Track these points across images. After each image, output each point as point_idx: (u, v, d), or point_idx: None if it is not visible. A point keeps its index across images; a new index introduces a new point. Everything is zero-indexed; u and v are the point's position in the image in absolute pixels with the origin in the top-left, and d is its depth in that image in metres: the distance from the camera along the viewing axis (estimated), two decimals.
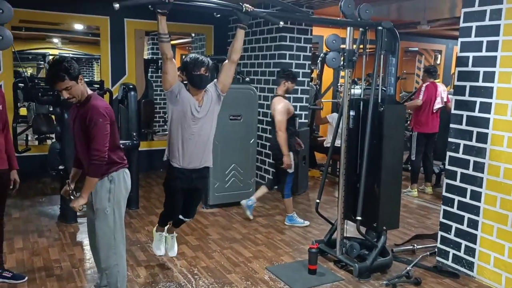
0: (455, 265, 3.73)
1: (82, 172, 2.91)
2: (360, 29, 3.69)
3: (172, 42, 8.39)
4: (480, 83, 3.49)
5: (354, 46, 3.67)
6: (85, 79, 2.78)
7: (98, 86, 6.16)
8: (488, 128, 3.44)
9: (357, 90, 5.36)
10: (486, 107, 3.45)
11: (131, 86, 5.21)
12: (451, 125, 3.72)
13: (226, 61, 3.14)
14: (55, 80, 2.57)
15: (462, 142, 3.63)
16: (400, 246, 4.25)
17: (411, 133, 6.21)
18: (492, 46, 3.39)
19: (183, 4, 2.90)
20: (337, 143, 4.10)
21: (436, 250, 3.94)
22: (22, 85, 6.26)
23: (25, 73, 8.24)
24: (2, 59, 5.89)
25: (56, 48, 12.08)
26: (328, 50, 3.64)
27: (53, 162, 4.77)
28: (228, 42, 7.19)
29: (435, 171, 6.42)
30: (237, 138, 5.28)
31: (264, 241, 4.36)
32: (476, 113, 3.52)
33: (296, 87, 6.17)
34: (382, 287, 3.43)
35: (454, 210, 3.71)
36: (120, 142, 2.93)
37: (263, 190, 5.02)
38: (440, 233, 3.86)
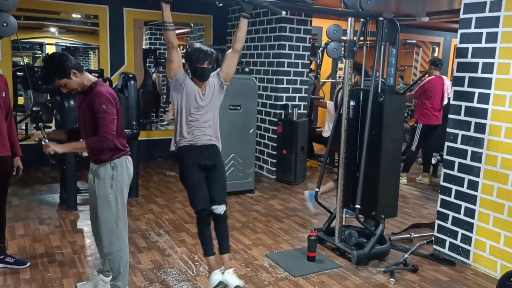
0: (452, 253, 3.80)
1: (66, 140, 2.90)
2: (361, 19, 3.71)
3: None
4: (479, 74, 3.53)
5: (355, 37, 3.70)
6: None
7: (97, 75, 6.14)
8: (486, 119, 3.48)
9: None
10: (484, 98, 3.49)
11: (131, 75, 5.21)
12: (450, 116, 3.77)
13: (229, 50, 3.16)
14: (46, 82, 2.61)
15: (460, 133, 3.68)
16: (397, 234, 4.31)
17: (415, 125, 6.23)
18: (492, 38, 3.43)
19: None
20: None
21: (433, 238, 4.01)
22: (21, 73, 6.24)
23: (25, 62, 8.19)
24: (1, 47, 5.85)
25: (53, 37, 12.02)
26: (329, 40, 3.67)
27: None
28: (227, 32, 7.20)
29: (432, 162, 6.47)
30: (237, 128, 5.30)
31: (263, 229, 4.41)
32: (475, 104, 3.56)
33: (295, 78, 6.23)
34: (380, 274, 3.50)
35: (452, 199, 3.77)
36: None
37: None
38: (437, 221, 3.93)
